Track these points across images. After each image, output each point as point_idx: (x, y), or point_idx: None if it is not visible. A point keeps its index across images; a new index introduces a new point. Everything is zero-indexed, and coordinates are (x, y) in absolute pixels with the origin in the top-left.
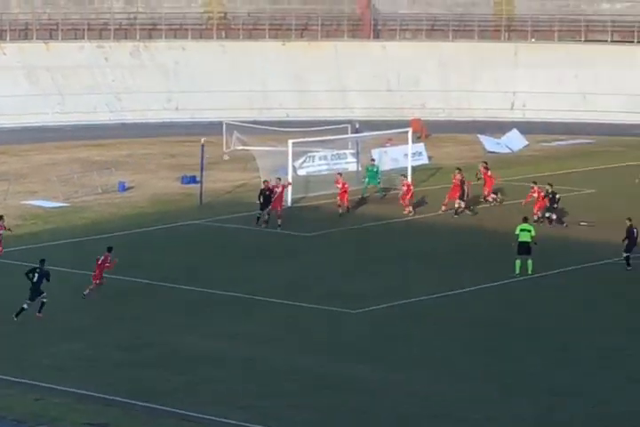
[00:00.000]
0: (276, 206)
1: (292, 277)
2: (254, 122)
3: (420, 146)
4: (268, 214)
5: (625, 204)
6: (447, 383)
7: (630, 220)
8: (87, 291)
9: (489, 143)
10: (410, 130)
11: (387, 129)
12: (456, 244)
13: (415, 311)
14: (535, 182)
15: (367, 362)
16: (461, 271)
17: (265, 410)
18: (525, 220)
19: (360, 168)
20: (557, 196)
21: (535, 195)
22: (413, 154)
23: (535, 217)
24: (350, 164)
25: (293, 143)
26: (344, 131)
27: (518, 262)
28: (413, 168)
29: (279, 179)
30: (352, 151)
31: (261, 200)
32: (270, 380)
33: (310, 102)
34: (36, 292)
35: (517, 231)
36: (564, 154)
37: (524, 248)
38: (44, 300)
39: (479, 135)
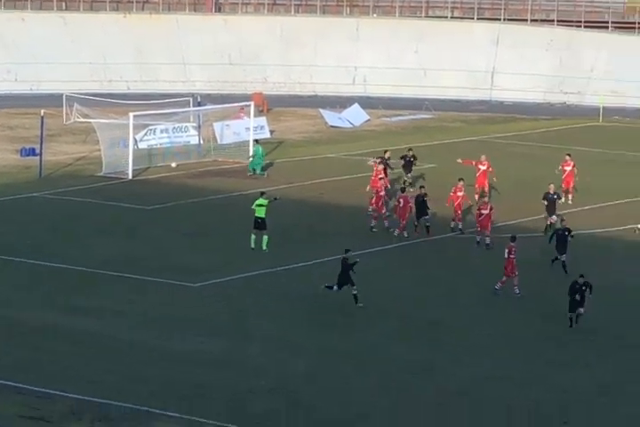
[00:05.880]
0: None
1: (132, 251)
2: (95, 94)
3: (262, 120)
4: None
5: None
6: (285, 357)
7: (563, 219)
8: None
9: (330, 118)
10: (252, 104)
11: (229, 103)
12: (301, 219)
13: (255, 285)
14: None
15: (208, 335)
16: (302, 246)
17: (109, 384)
18: (262, 194)
19: (202, 141)
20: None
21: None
22: (255, 128)
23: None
24: (192, 137)
25: (135, 116)
26: (186, 104)
27: (253, 237)
28: (255, 142)
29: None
30: (194, 124)
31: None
32: (113, 354)
33: (151, 75)
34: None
35: (253, 206)
36: (405, 129)
37: (259, 223)
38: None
39: (321, 109)
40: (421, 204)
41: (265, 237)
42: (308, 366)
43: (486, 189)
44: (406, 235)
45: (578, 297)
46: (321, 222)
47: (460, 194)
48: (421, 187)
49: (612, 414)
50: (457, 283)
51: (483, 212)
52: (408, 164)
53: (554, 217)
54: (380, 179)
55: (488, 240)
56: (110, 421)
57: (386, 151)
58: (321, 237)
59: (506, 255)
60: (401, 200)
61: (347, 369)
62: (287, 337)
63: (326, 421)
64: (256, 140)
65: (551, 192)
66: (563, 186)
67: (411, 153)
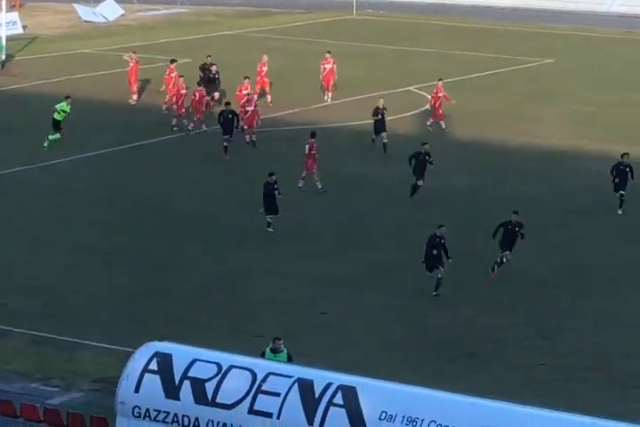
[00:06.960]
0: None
1: None
2: None
3: (14, 15)
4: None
5: (235, 74)
6: (39, 255)
7: (425, 143)
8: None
9: (84, 12)
10: None
11: None
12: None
13: (9, 183)
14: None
15: None
16: (60, 142)
17: None
18: (67, 97)
19: None
20: None
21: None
22: (7, 23)
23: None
24: None
25: None
26: None
27: (52, 137)
28: (8, 38)
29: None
30: None
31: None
32: None
33: None
34: None
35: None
36: (160, 23)
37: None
38: None
39: (74, 4)
40: (227, 121)
41: (56, 136)
42: (62, 264)
43: (266, 88)
44: (205, 128)
45: (435, 252)
46: (77, 119)
47: (245, 93)
48: (227, 103)
49: (365, 306)
50: (218, 179)
51: (247, 109)
52: (211, 77)
53: (384, 134)
54: (181, 76)
55: (254, 137)
56: None
57: (207, 62)
58: (78, 131)
59: (307, 151)
60: (196, 94)
61: (98, 267)
62: (41, 235)
63: (85, 321)
64: None
65: (381, 107)
66: (323, 84)
67: (209, 60)
